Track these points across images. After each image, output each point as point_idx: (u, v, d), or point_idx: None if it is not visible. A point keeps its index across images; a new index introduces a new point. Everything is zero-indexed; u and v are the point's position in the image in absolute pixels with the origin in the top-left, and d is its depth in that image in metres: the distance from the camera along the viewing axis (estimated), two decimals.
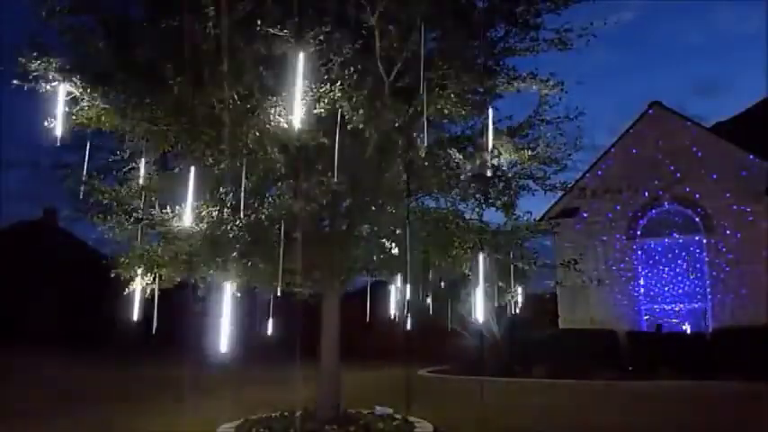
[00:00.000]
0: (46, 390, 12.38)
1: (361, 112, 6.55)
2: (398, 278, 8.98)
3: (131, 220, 7.54)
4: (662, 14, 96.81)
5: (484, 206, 8.15)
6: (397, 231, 7.69)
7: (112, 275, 7.54)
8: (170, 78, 6.23)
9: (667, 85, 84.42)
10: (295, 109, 5.98)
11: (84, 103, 6.69)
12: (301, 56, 5.98)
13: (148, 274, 7.51)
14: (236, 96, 6.43)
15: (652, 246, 17.52)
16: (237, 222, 7.05)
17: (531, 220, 8.65)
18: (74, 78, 6.57)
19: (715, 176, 16.64)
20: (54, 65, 6.47)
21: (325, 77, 6.40)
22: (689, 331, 16.31)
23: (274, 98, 6.34)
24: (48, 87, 6.57)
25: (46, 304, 28.57)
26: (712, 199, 16.58)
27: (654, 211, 17.43)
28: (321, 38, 6.12)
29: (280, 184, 7.71)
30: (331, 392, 7.92)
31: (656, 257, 17.47)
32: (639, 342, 15.47)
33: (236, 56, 6.42)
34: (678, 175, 17.08)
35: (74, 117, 6.72)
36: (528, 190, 8.34)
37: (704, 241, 16.71)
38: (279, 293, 7.48)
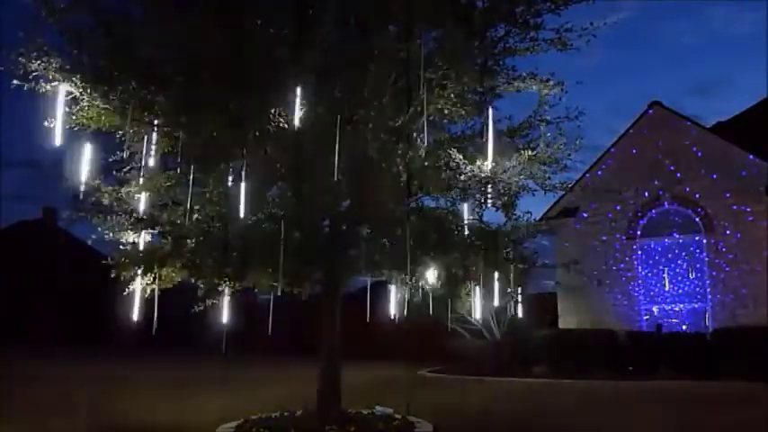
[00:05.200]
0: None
1: (361, 112, 6.55)
2: (398, 278, 8.97)
3: (131, 220, 7.54)
4: (658, 15, 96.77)
5: (484, 206, 8.16)
6: (398, 231, 7.69)
7: (112, 275, 7.54)
8: (170, 78, 6.23)
9: (664, 86, 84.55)
10: (295, 109, 5.99)
11: (85, 103, 6.69)
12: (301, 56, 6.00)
13: (148, 274, 7.49)
14: (236, 96, 6.43)
15: (652, 246, 17.52)
16: (237, 222, 7.05)
17: (531, 220, 8.65)
18: (74, 78, 6.57)
19: (715, 176, 16.63)
20: (54, 65, 6.47)
21: (326, 78, 6.41)
22: (688, 331, 16.30)
23: (274, 99, 6.35)
24: (48, 87, 6.58)
25: (46, 304, 28.57)
26: (712, 199, 16.57)
27: (654, 211, 17.43)
28: (321, 38, 6.13)
29: (280, 183, 7.72)
30: (331, 392, 7.93)
31: (656, 257, 17.47)
32: (639, 342, 15.47)
33: (236, 55, 6.43)
34: (678, 175, 17.07)
35: (74, 117, 6.72)
36: (528, 190, 8.35)
37: (704, 241, 16.70)
38: (279, 293, 7.48)
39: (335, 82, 6.42)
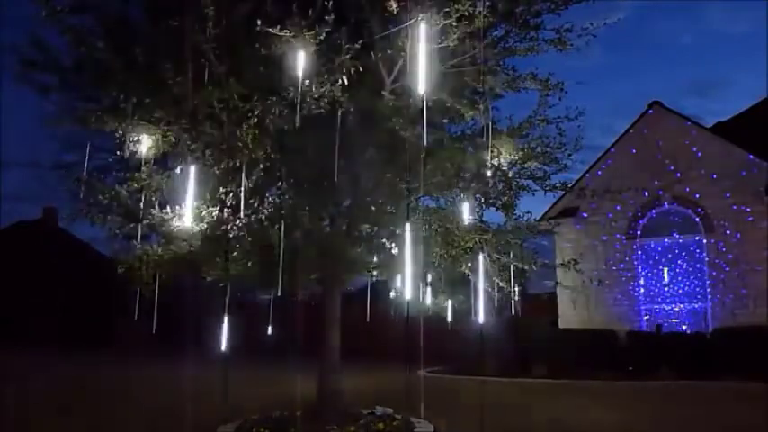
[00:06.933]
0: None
1: (361, 111, 6.56)
2: (398, 278, 8.98)
3: (131, 220, 7.53)
4: (656, 15, 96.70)
5: (484, 206, 8.16)
6: (398, 231, 7.69)
7: (112, 275, 7.54)
8: (170, 78, 6.23)
9: (663, 86, 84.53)
10: (296, 108, 6.00)
11: (85, 103, 6.70)
12: (301, 55, 6.00)
13: (148, 274, 7.50)
14: (236, 96, 6.44)
15: (652, 246, 17.51)
16: (237, 222, 7.05)
17: (531, 220, 8.65)
18: (74, 78, 6.58)
19: (715, 176, 16.63)
20: (54, 65, 6.48)
21: (326, 77, 6.41)
22: (688, 331, 16.29)
23: (274, 98, 6.35)
24: (48, 87, 6.59)
25: (46, 304, 28.57)
26: (712, 199, 16.57)
27: (654, 211, 17.43)
28: (321, 38, 6.13)
29: (280, 183, 7.72)
30: (331, 392, 7.93)
31: (656, 257, 17.46)
32: (639, 342, 15.46)
33: (236, 56, 6.43)
34: (678, 175, 17.07)
35: (74, 117, 6.73)
36: (528, 190, 8.35)
37: (704, 241, 16.70)
38: (279, 293, 7.48)
39: (335, 81, 6.42)
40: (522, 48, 7.62)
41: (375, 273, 8.77)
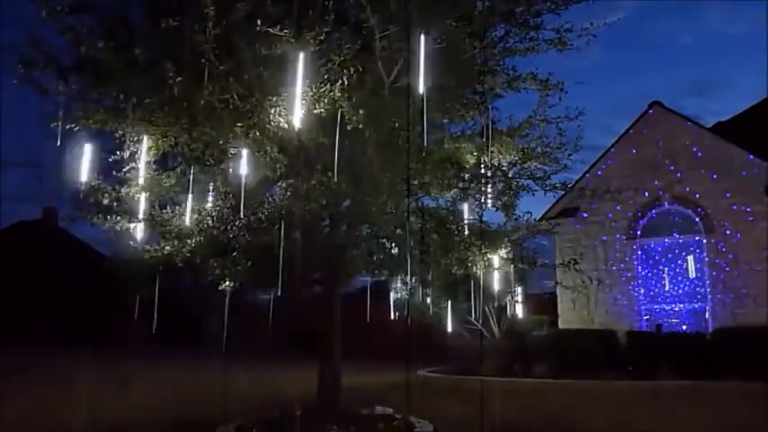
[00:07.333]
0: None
1: (361, 112, 6.55)
2: (398, 278, 8.98)
3: (131, 220, 7.53)
4: (656, 15, 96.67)
5: (484, 206, 8.16)
6: (398, 231, 7.69)
7: (112, 275, 7.54)
8: (170, 78, 6.23)
9: (663, 86, 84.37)
10: (295, 109, 6.00)
11: (85, 103, 6.70)
12: (301, 55, 6.00)
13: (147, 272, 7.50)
14: (236, 96, 6.44)
15: (652, 246, 17.51)
16: (237, 222, 7.06)
17: (531, 220, 8.65)
18: (74, 78, 6.58)
19: (715, 176, 16.64)
20: (54, 65, 6.48)
21: (326, 77, 6.41)
22: (688, 331, 16.30)
23: (274, 98, 6.35)
24: (48, 88, 6.58)
25: (46, 304, 28.57)
26: (712, 199, 16.58)
27: (654, 211, 17.43)
28: (321, 38, 6.13)
29: (280, 183, 7.72)
30: (331, 392, 7.93)
31: (656, 257, 17.46)
32: (639, 342, 15.46)
33: (236, 56, 6.43)
34: (678, 175, 17.08)
35: (74, 116, 6.72)
36: (528, 190, 8.34)
37: (704, 241, 16.70)
38: (279, 293, 7.49)
39: (335, 81, 6.42)
40: (522, 48, 7.61)
41: (375, 273, 8.77)
